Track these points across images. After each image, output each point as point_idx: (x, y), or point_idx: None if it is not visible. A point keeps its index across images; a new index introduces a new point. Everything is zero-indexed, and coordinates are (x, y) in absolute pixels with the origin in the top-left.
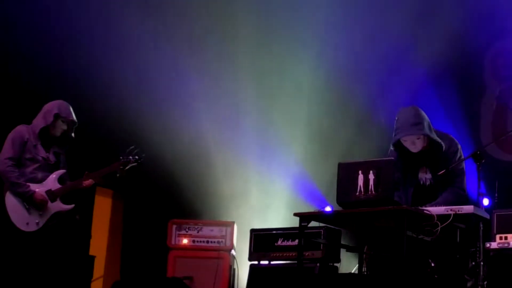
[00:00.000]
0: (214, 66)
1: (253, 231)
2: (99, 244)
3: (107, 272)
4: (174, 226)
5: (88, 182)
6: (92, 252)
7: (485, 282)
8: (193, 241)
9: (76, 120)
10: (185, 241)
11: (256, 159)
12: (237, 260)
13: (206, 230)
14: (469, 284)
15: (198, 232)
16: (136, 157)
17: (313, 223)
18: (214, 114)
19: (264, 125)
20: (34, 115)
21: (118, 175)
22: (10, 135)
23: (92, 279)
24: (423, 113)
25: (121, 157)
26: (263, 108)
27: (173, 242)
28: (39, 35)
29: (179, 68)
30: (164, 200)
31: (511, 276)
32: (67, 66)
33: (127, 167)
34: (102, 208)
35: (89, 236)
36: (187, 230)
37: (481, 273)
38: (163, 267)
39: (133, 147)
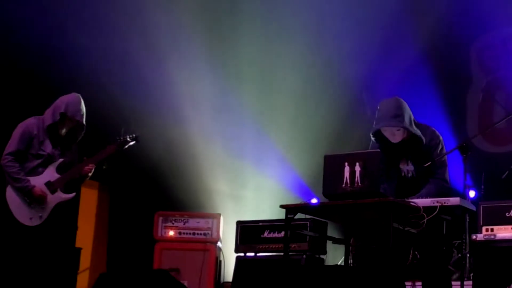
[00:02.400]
0: (201, 61)
1: (239, 223)
2: (85, 236)
3: (93, 264)
4: (161, 218)
5: (88, 168)
6: (78, 244)
7: (471, 274)
8: (180, 233)
9: (83, 121)
10: (171, 233)
11: (242, 151)
12: (223, 252)
13: (192, 222)
14: (455, 276)
15: (184, 224)
16: (133, 135)
17: (299, 215)
18: (201, 108)
19: (250, 119)
20: (37, 104)
21: (104, 167)
22: (20, 128)
23: (78, 271)
24: (405, 105)
25: (117, 138)
26: (249, 101)
27: (159, 234)
28: (40, 27)
29: (168, 62)
30: (150, 192)
31: (497, 268)
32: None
33: (125, 147)
34: (88, 200)
35: (75, 228)
36: (173, 222)
37: (467, 265)
38: (150, 259)
39: (128, 126)
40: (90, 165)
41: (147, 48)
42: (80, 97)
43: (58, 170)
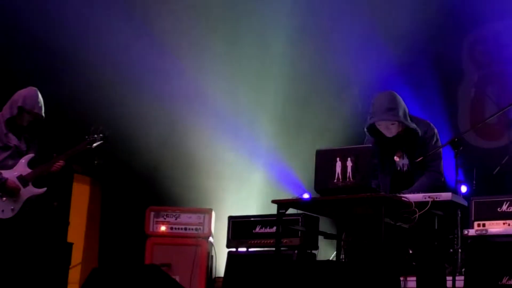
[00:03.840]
0: (190, 54)
1: (231, 218)
2: (77, 231)
3: (85, 259)
4: (152, 213)
5: (59, 164)
6: (70, 239)
7: (463, 269)
8: (171, 228)
9: (42, 114)
10: (163, 228)
11: (234, 146)
12: (215, 247)
13: (184, 217)
14: (447, 271)
15: (176, 219)
16: (101, 134)
17: (291, 210)
18: (192, 103)
19: (242, 113)
20: (3, 100)
21: (96, 162)
22: None
23: (70, 266)
24: (400, 99)
25: (86, 136)
26: (240, 97)
27: (151, 229)
28: (10, 18)
29: (156, 55)
30: (142, 187)
31: (489, 263)
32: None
33: (94, 145)
34: (80, 195)
35: (67, 223)
36: (165, 217)
37: (459, 260)
38: (141, 254)
39: (97, 125)
40: (60, 161)
41: (140, 45)
42: (37, 90)
43: (30, 164)
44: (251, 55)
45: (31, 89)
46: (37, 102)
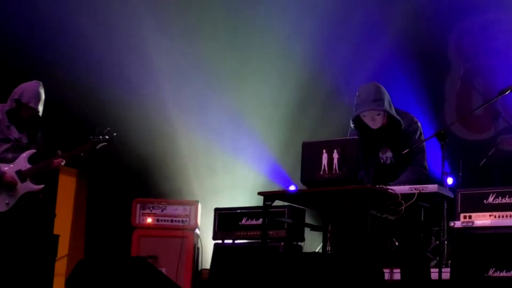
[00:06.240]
0: (182, 45)
1: (217, 210)
2: (63, 223)
3: (71, 251)
4: (138, 205)
5: (58, 161)
6: (56, 231)
7: (449, 261)
8: (157, 220)
9: (38, 108)
10: (149, 220)
11: (221, 138)
12: (201, 239)
13: (170, 209)
14: (433, 263)
15: (162, 211)
16: (107, 136)
17: (277, 202)
18: (181, 94)
19: (230, 105)
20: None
21: (82, 154)
22: None
23: (56, 258)
24: (384, 90)
25: (91, 137)
26: (229, 89)
27: (137, 221)
28: (13, 17)
29: (147, 47)
30: (128, 179)
31: (475, 255)
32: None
33: (97, 147)
34: (67, 187)
35: (53, 215)
36: (151, 209)
37: (445, 252)
38: (127, 246)
39: (103, 127)
40: (61, 159)
41: (127, 31)
42: (40, 84)
43: (30, 160)
44: (241, 49)
45: (33, 83)
46: (35, 96)
